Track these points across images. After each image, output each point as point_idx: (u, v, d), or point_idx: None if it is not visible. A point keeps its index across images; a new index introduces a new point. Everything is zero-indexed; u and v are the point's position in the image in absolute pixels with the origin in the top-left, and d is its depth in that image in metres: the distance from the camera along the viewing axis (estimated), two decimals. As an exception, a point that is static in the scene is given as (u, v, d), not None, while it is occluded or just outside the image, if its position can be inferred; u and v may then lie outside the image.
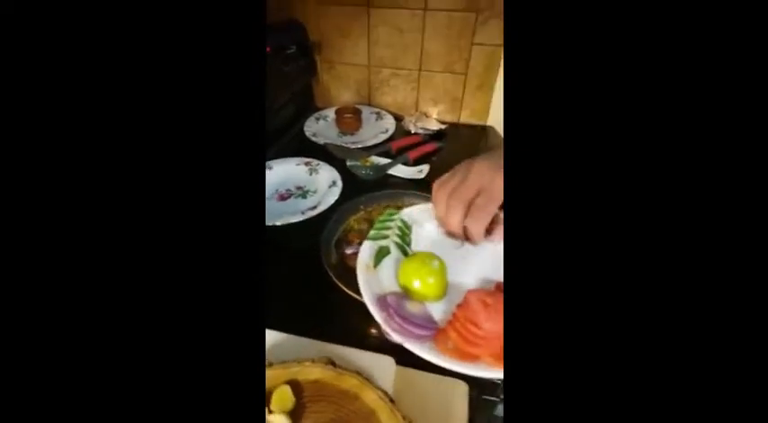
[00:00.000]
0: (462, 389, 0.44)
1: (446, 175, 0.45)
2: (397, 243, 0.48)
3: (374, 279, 0.44)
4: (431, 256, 0.44)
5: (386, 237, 0.48)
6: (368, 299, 0.40)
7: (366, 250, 0.46)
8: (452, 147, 0.88)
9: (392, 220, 0.50)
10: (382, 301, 0.40)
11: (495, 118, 0.96)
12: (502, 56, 0.86)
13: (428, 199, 0.68)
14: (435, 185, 0.45)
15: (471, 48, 0.86)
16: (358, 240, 0.60)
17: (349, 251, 0.57)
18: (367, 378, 0.39)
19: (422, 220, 0.51)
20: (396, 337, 0.37)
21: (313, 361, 0.40)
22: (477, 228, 0.42)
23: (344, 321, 0.52)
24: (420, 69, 0.93)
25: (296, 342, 0.47)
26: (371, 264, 0.45)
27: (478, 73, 0.90)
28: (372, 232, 0.48)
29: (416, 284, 0.42)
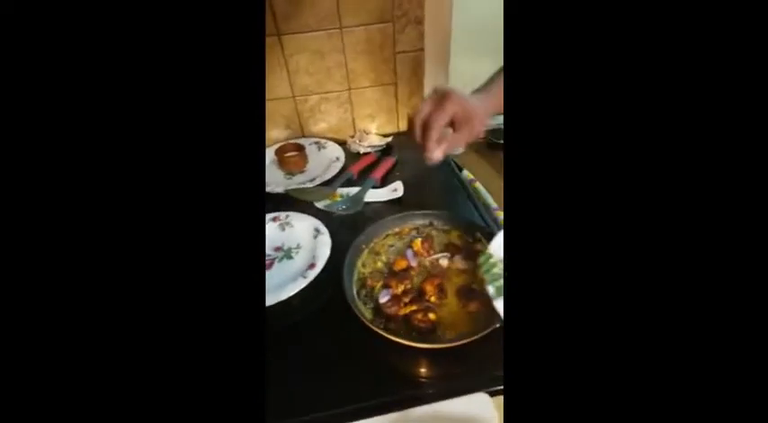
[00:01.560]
0: None
1: (421, 105, 0.48)
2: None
3: None
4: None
5: (497, 277, 0.46)
6: None
7: (495, 298, 0.45)
8: (407, 155, 0.86)
9: (490, 262, 0.48)
10: None
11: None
12: (425, 59, 0.87)
13: (421, 216, 0.66)
14: (411, 114, 0.48)
15: (395, 57, 0.86)
16: (382, 283, 0.54)
17: (384, 299, 0.51)
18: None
19: None
20: None
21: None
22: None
23: (410, 373, 0.46)
24: (349, 88, 0.89)
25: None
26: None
27: (407, 79, 0.90)
28: (487, 279, 0.46)
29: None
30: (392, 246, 0.61)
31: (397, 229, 0.64)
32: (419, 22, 0.82)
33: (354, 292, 0.54)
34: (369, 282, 0.55)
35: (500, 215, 0.74)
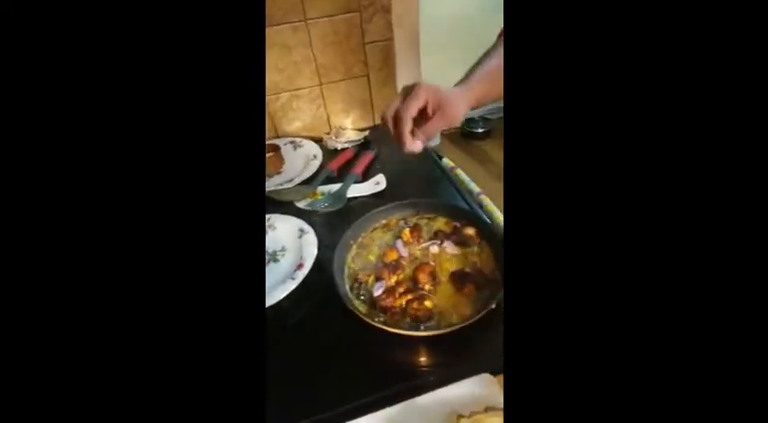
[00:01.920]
0: None
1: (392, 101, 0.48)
2: None
3: None
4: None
5: None
6: None
7: None
8: (386, 148, 0.85)
9: None
10: None
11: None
12: (395, 48, 0.86)
13: (406, 206, 0.65)
14: (383, 107, 0.48)
15: (364, 48, 0.84)
16: (374, 277, 0.52)
17: (378, 292, 0.50)
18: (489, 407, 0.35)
19: None
20: None
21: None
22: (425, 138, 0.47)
23: (411, 363, 0.46)
24: (320, 84, 0.86)
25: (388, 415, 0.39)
26: None
27: (379, 70, 0.88)
28: None
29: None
30: (381, 238, 0.60)
31: (384, 222, 0.63)
32: (386, 10, 0.81)
33: (347, 287, 0.52)
34: (360, 276, 0.53)
35: (484, 200, 0.74)
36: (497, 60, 0.51)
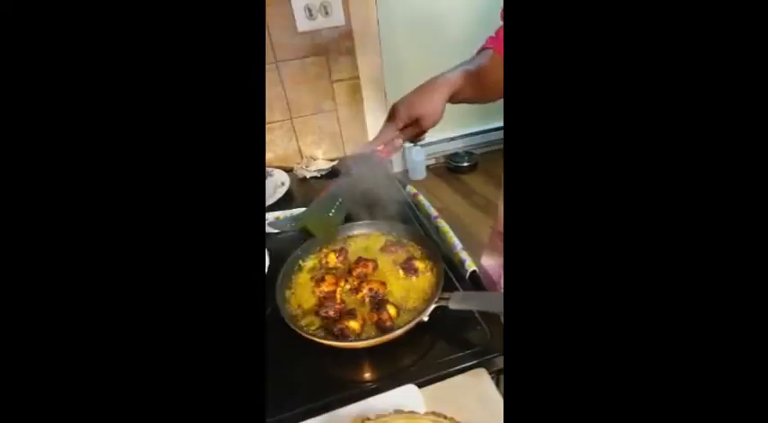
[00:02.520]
0: (484, 374, 0.45)
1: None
2: None
3: None
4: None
5: None
6: None
7: None
8: (354, 176, 0.89)
9: None
10: None
11: (375, 141, 1.03)
12: (362, 85, 0.94)
13: (348, 228, 0.67)
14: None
15: (333, 85, 0.91)
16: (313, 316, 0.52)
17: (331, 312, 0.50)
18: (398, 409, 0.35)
19: None
20: None
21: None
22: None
23: (346, 376, 0.46)
24: (291, 117, 0.93)
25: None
26: None
27: (347, 105, 0.95)
28: None
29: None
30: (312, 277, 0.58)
31: (338, 242, 0.65)
32: (351, 52, 0.89)
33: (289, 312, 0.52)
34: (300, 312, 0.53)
35: (440, 223, 0.77)
36: (475, 68, 0.57)
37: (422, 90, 0.56)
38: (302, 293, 0.55)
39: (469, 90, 0.57)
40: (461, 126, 2.25)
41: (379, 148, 0.58)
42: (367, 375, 0.47)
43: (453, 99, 0.57)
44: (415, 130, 0.58)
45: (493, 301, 0.47)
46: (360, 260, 0.57)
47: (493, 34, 0.60)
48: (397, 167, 2.10)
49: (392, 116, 0.57)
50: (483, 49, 0.60)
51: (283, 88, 0.89)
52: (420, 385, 0.43)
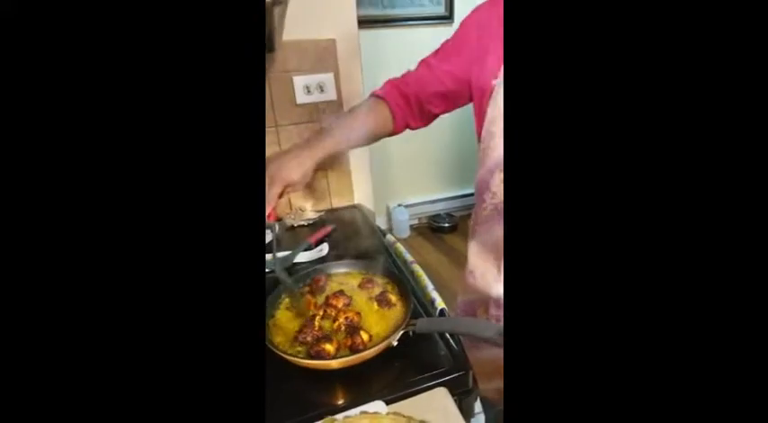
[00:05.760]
0: (445, 393, 0.49)
1: None
2: None
3: None
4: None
5: None
6: None
7: None
8: (340, 225, 0.98)
9: None
10: None
11: (359, 197, 1.14)
12: (349, 151, 1.07)
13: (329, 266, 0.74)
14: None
15: (323, 147, 1.05)
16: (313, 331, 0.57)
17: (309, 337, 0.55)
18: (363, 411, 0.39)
19: None
20: None
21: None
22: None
23: (320, 398, 0.50)
24: (285, 173, 1.04)
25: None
26: None
27: (336, 164, 1.08)
28: None
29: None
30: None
31: (308, 282, 0.70)
32: (340, 121, 1.04)
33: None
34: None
35: (416, 268, 0.85)
36: (345, 128, 0.63)
37: (290, 157, 0.58)
38: (282, 321, 0.61)
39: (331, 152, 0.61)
40: (443, 190, 2.42)
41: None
42: (339, 396, 0.50)
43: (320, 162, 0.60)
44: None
45: (455, 325, 0.53)
46: (337, 293, 0.63)
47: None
48: (382, 226, 2.20)
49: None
50: (374, 96, 0.67)
51: (280, 148, 1.01)
52: (387, 402, 0.47)
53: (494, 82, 0.58)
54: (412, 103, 0.66)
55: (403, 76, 0.68)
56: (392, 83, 0.67)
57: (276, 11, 0.71)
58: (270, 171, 0.56)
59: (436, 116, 0.70)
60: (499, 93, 0.58)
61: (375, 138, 0.67)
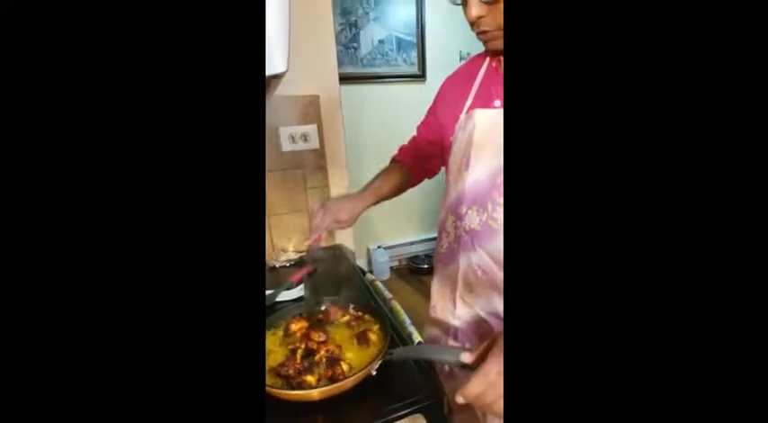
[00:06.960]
0: (421, 419, 0.53)
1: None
2: None
3: None
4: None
5: None
6: None
7: None
8: (320, 264, 1.02)
9: None
10: None
11: (340, 238, 1.19)
12: (331, 192, 1.14)
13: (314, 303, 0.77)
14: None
15: (307, 191, 1.11)
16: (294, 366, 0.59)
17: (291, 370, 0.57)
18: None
19: None
20: None
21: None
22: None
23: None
24: (267, 216, 1.09)
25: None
26: None
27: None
28: None
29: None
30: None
31: (288, 319, 0.72)
32: (323, 168, 1.12)
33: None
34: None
35: (395, 304, 0.88)
36: (381, 182, 0.84)
37: (345, 200, 0.79)
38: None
39: (374, 201, 0.82)
40: (421, 231, 2.50)
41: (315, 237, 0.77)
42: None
43: (367, 206, 0.81)
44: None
45: (430, 352, 0.57)
46: (316, 327, 0.65)
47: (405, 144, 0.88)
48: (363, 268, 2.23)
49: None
50: (393, 160, 0.87)
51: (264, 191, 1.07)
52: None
53: (460, 117, 0.68)
54: (417, 162, 0.85)
55: (409, 140, 0.88)
56: (402, 147, 0.89)
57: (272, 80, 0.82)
58: (327, 207, 0.76)
59: (440, 167, 0.86)
60: (464, 123, 0.67)
61: (401, 190, 0.88)
